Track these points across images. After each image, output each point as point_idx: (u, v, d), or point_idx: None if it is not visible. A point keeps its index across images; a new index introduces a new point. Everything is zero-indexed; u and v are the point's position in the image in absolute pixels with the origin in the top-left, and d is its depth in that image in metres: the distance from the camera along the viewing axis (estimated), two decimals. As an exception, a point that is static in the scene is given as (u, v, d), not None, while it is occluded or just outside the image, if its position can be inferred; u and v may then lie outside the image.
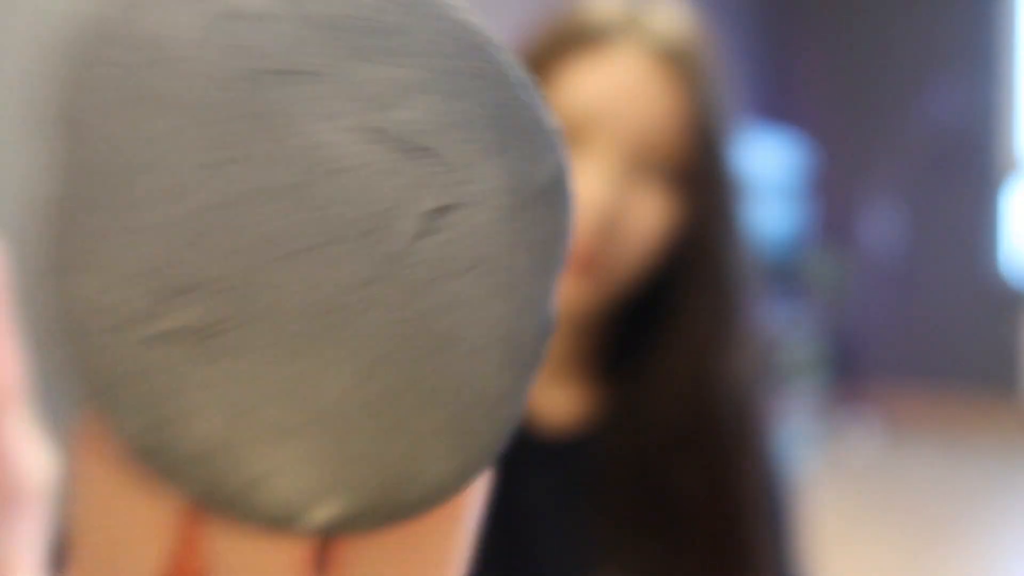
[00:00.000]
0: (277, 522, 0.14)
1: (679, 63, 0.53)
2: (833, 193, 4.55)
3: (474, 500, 0.15)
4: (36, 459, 0.17)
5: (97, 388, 0.13)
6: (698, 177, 0.54)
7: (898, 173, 4.40)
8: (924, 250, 4.35)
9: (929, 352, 4.34)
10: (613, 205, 0.51)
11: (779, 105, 4.58)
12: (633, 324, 0.59)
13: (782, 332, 4.07)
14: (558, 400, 0.58)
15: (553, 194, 0.14)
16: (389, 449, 0.13)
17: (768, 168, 4.04)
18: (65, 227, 0.13)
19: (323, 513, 0.14)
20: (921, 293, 4.36)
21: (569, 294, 0.52)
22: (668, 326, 0.56)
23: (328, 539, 0.14)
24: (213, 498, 0.13)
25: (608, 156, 0.52)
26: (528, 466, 0.56)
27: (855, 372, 4.53)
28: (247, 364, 0.13)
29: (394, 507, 0.14)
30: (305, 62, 0.13)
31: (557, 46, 0.54)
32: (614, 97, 0.52)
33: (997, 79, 4.16)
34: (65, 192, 0.13)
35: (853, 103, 4.49)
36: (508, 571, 0.54)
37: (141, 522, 0.15)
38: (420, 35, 0.13)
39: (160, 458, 0.13)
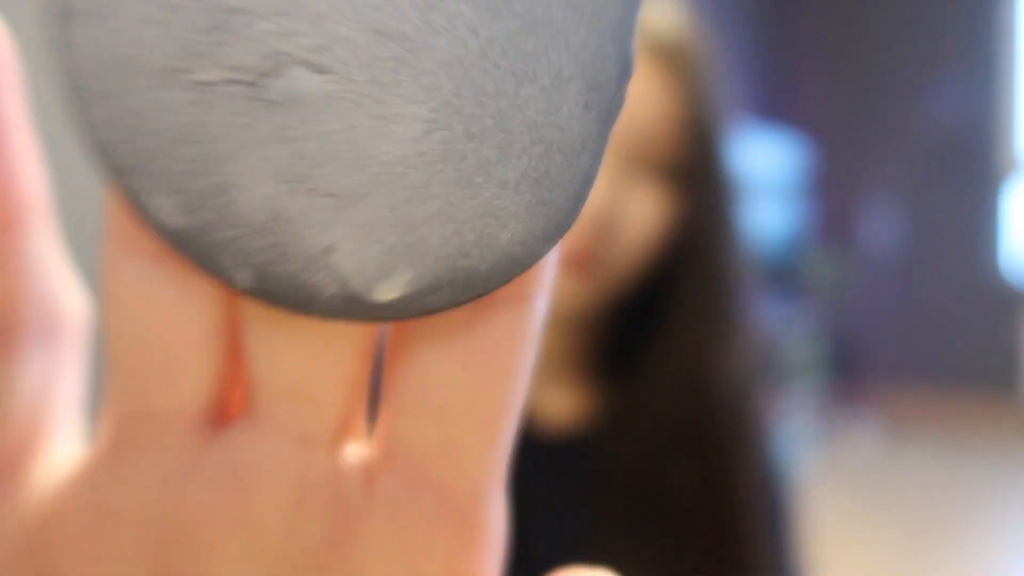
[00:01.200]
0: (342, 305, 0.12)
1: (675, 60, 0.53)
2: (833, 193, 4.55)
3: (545, 279, 0.13)
4: (67, 286, 0.15)
5: (127, 162, 0.11)
6: (694, 175, 0.54)
7: (898, 173, 4.40)
8: (924, 250, 4.35)
9: (929, 352, 4.34)
10: (610, 203, 0.51)
11: (779, 105, 4.58)
12: (632, 324, 0.59)
13: (782, 332, 4.07)
14: (557, 400, 0.58)
15: None
16: (461, 208, 0.12)
17: (768, 168, 4.04)
18: None
19: (390, 288, 0.12)
20: (921, 293, 4.35)
21: (567, 293, 0.52)
22: (665, 325, 0.55)
23: (395, 322, 0.12)
24: (267, 284, 0.12)
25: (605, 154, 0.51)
26: (526, 465, 0.56)
27: (855, 372, 4.52)
28: (299, 117, 0.11)
29: (468, 277, 0.12)
30: None
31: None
32: (611, 95, 0.51)
33: (997, 79, 4.16)
34: None
35: (853, 103, 4.49)
36: (506, 571, 0.54)
37: (181, 330, 0.13)
38: None
39: (207, 238, 0.11)
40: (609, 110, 0.12)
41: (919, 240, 4.36)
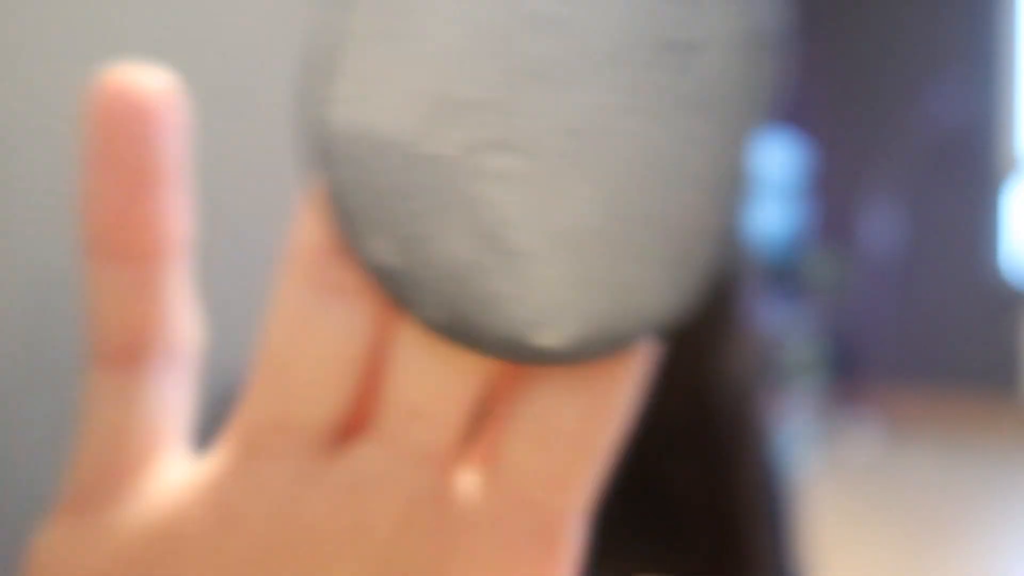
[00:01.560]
0: (505, 346, 0.14)
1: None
2: (833, 193, 4.55)
3: (647, 357, 0.15)
4: (190, 317, 0.16)
5: (356, 209, 0.14)
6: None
7: (898, 173, 4.40)
8: (924, 250, 4.35)
9: (929, 352, 4.34)
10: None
11: (779, 105, 4.58)
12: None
13: (782, 332, 4.07)
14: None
15: (777, 41, 0.15)
16: (618, 277, 0.14)
17: (768, 168, 4.04)
18: (340, 59, 0.14)
19: (549, 338, 0.14)
20: (921, 293, 4.35)
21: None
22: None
23: (533, 365, 0.15)
24: (449, 321, 0.14)
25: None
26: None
27: (855, 372, 4.52)
28: (500, 187, 0.14)
29: (616, 337, 0.14)
30: None
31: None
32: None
33: (997, 79, 4.16)
34: (341, 26, 0.14)
35: (853, 103, 4.49)
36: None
37: (333, 351, 0.15)
38: None
39: (407, 277, 0.14)
40: (741, 206, 0.15)
41: (919, 240, 4.36)
